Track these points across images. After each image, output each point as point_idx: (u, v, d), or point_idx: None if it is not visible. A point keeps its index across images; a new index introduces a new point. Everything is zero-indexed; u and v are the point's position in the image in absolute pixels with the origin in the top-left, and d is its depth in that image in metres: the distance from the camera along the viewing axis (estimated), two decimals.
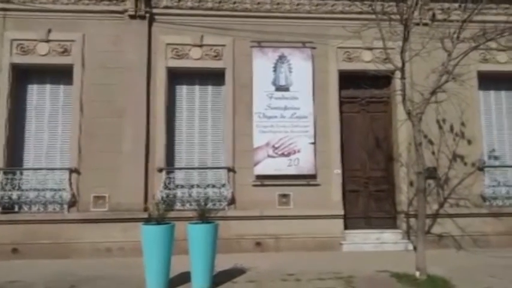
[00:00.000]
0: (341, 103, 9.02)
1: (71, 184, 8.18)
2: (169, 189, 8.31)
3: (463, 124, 8.88)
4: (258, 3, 8.89)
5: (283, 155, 8.57)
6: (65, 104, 8.62)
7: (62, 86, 8.70)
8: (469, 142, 8.90)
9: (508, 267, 6.63)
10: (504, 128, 9.51)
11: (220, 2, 8.83)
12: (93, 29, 8.54)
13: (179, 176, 8.51)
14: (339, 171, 8.72)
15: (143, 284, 5.49)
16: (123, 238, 7.84)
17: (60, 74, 8.62)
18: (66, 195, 8.10)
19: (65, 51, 8.49)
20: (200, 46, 8.74)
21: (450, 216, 8.55)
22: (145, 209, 7.78)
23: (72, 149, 8.30)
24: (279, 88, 8.76)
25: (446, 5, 8.32)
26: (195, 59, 8.74)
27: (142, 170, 8.24)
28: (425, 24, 8.62)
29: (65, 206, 8.13)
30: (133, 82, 8.46)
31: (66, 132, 8.50)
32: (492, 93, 9.58)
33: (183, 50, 8.72)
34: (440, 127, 8.82)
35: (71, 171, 8.21)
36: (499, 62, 9.24)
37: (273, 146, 8.57)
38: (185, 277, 5.79)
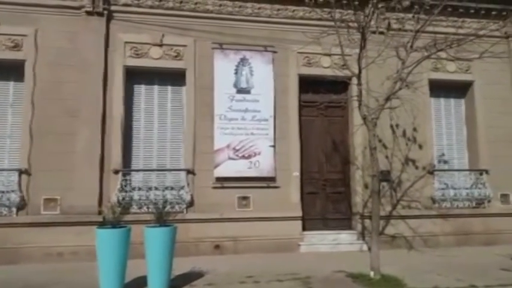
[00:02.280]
0: (300, 107, 9.19)
1: (20, 186, 7.77)
2: (126, 191, 8.10)
3: (415, 129, 9.30)
4: (220, 5, 8.88)
5: (243, 157, 8.60)
6: (15, 101, 8.20)
7: (12, 83, 8.28)
8: (420, 147, 9.34)
9: (453, 265, 7.01)
10: (452, 134, 10.08)
11: (181, 2, 8.74)
12: (47, 24, 8.18)
13: (136, 178, 8.31)
14: (297, 173, 8.86)
15: None
16: (76, 242, 7.53)
17: (10, 70, 8.18)
18: (15, 198, 7.69)
19: (16, 46, 8.08)
20: (160, 46, 8.60)
21: (402, 217, 8.92)
22: (100, 212, 7.54)
23: (22, 149, 7.91)
24: (240, 90, 8.78)
25: (401, 15, 8.66)
26: (154, 59, 8.59)
27: (97, 171, 7.97)
28: (381, 33, 8.91)
29: (14, 209, 7.71)
30: (89, 80, 8.18)
31: (15, 131, 8.09)
32: (442, 100, 10.13)
33: (142, 49, 8.55)
34: (393, 132, 9.19)
35: (21, 172, 7.80)
36: (448, 71, 9.78)
37: (234, 148, 8.57)
38: (141, 282, 5.66)
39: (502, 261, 7.29)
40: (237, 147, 8.60)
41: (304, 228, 8.78)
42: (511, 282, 5.85)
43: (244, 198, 8.56)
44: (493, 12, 9.74)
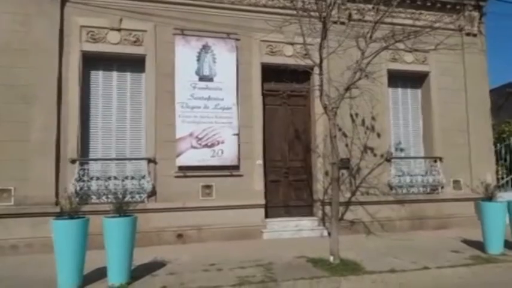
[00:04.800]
0: (264, 95, 9.20)
1: None
2: (84, 181, 7.84)
3: (373, 118, 9.57)
4: None
5: (206, 146, 8.53)
6: None
7: None
8: (379, 135, 9.63)
9: (408, 248, 7.35)
10: (409, 123, 10.46)
11: None
12: None
13: (94, 168, 8.06)
14: (260, 162, 8.91)
15: (54, 282, 5.14)
16: (32, 234, 7.26)
17: None
18: None
19: None
20: (118, 30, 8.30)
21: (361, 203, 9.21)
22: (57, 203, 7.28)
23: None
24: (203, 78, 8.66)
25: (361, 5, 8.84)
26: (112, 44, 8.29)
27: (53, 161, 7.65)
28: (342, 23, 9.09)
29: None
30: (43, 65, 7.78)
31: None
32: (399, 90, 10.46)
33: (100, 33, 8.21)
34: (353, 121, 9.41)
35: None
36: (406, 61, 10.10)
37: (197, 137, 8.48)
38: (101, 273, 5.54)
39: (453, 244, 7.72)
40: (200, 136, 8.51)
41: (267, 216, 8.89)
42: (460, 263, 6.23)
43: (207, 186, 8.52)
44: (448, 6, 10.14)
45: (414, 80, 10.47)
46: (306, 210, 9.38)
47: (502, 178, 11.56)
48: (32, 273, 5.88)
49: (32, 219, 7.31)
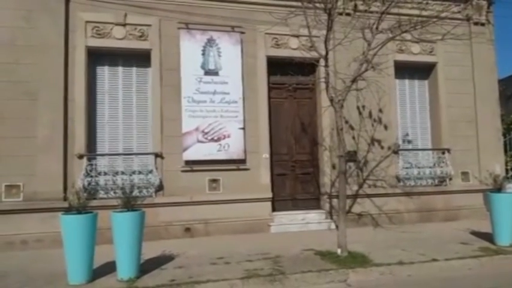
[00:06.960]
0: (269, 89, 9.17)
1: None
2: (92, 176, 7.89)
3: (380, 110, 9.49)
4: None
5: (213, 140, 8.53)
6: None
7: None
8: (386, 127, 9.55)
9: (416, 241, 7.30)
10: (416, 114, 10.37)
11: None
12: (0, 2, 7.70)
13: (102, 163, 8.10)
14: (267, 155, 8.90)
15: (64, 277, 5.19)
16: (41, 229, 7.33)
17: None
18: None
19: None
20: (123, 25, 8.30)
21: (368, 196, 9.17)
22: (65, 198, 7.31)
23: None
24: (208, 72, 8.64)
25: None
26: (118, 39, 8.29)
27: (61, 156, 7.70)
28: (348, 14, 9.00)
29: None
30: (49, 62, 7.80)
31: None
32: (407, 81, 10.36)
33: (105, 28, 8.22)
34: (360, 113, 9.34)
35: None
36: (412, 52, 9.99)
37: (203, 131, 8.48)
38: (110, 267, 5.57)
39: (461, 236, 7.67)
40: (206, 130, 8.51)
41: (274, 209, 8.89)
42: (468, 255, 6.18)
43: (214, 181, 8.54)
44: None
45: (421, 71, 10.36)
46: (313, 203, 9.36)
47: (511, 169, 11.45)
48: (42, 268, 5.94)
49: (41, 215, 7.38)
